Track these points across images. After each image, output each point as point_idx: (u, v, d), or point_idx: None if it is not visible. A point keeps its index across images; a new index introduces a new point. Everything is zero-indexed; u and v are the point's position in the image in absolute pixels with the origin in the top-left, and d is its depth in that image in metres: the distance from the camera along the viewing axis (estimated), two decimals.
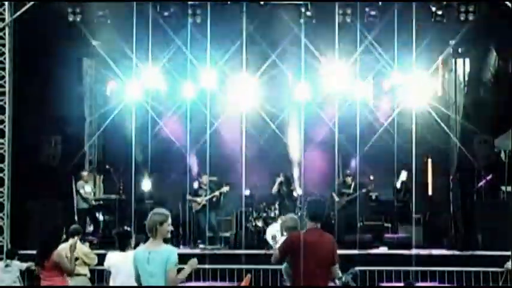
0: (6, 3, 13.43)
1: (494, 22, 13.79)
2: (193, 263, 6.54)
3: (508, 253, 12.49)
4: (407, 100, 14.53)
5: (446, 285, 12.71)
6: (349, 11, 13.94)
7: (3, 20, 13.42)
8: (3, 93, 13.45)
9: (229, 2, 14.17)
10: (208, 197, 14.99)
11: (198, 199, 15.05)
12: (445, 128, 15.19)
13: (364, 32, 13.98)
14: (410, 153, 13.72)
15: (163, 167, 16.13)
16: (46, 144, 14.41)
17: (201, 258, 12.67)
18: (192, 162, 15.63)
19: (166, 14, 14.38)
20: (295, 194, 15.36)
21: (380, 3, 14.14)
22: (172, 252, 6.37)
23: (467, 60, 15.89)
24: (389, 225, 15.99)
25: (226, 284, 12.77)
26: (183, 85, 15.40)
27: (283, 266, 7.21)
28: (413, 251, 13.40)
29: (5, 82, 13.47)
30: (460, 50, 15.71)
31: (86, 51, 16.09)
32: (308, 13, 14.09)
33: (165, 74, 15.64)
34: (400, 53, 14.07)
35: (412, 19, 13.29)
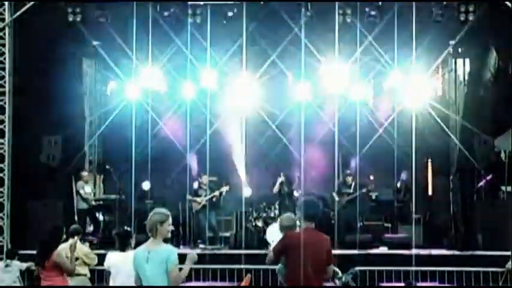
0: (6, 3, 13.44)
1: (494, 22, 13.79)
2: (193, 257, 6.51)
3: (508, 253, 12.50)
4: (407, 100, 14.52)
5: (446, 285, 12.71)
6: (349, 11, 13.95)
7: (3, 20, 13.43)
8: (3, 93, 13.46)
9: (229, 2, 14.18)
10: (208, 197, 14.99)
11: (198, 199, 15.06)
12: (445, 128, 15.18)
13: (364, 32, 13.98)
14: (410, 153, 13.73)
15: (163, 167, 16.13)
16: (46, 144, 14.41)
17: (201, 258, 12.71)
18: (192, 162, 15.64)
19: (166, 14, 14.39)
20: (295, 194, 15.36)
21: (380, 3, 14.15)
22: (172, 252, 6.36)
23: (467, 60, 15.88)
24: (389, 225, 15.99)
25: (226, 284, 12.78)
26: (183, 85, 15.39)
27: (277, 267, 7.20)
28: (413, 251, 13.39)
29: (5, 82, 13.48)
30: (460, 50, 15.71)
31: (86, 51, 16.09)
32: (308, 13, 14.09)
33: (165, 74, 15.64)
34: (400, 53, 14.06)
35: (412, 19, 13.29)
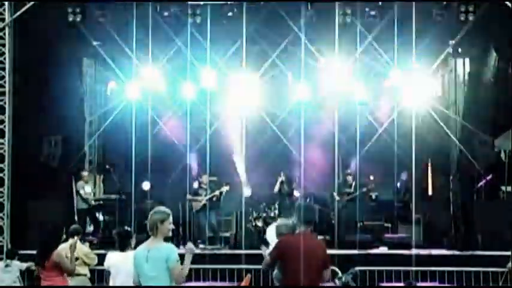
0: (6, 3, 13.44)
1: (494, 22, 13.79)
2: (190, 249, 6.47)
3: (508, 253, 12.50)
4: (407, 100, 14.52)
5: (446, 285, 12.71)
6: (349, 11, 13.94)
7: (3, 20, 13.43)
8: (3, 93, 13.46)
9: (229, 2, 14.18)
10: (208, 196, 14.98)
11: (199, 198, 15.05)
12: (445, 128, 15.18)
13: (364, 32, 13.98)
14: (410, 153, 13.73)
15: (163, 167, 16.13)
16: (46, 144, 14.41)
17: (201, 258, 12.73)
18: (192, 162, 15.64)
19: (166, 14, 14.40)
20: (295, 193, 15.37)
21: (380, 3, 14.15)
22: (172, 251, 6.36)
23: (467, 60, 15.89)
24: (389, 225, 15.99)
25: (226, 284, 12.77)
26: (183, 85, 15.39)
27: (274, 273, 7.18)
28: (413, 251, 13.39)
29: (5, 82, 13.47)
30: (460, 50, 15.71)
31: (86, 51, 16.09)
32: (308, 13, 14.08)
33: (165, 74, 15.64)
34: (400, 53, 14.07)
35: (412, 19, 13.29)
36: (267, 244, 7.73)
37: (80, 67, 16.51)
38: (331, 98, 15.14)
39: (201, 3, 14.13)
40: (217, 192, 15.14)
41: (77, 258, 9.25)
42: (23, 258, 11.39)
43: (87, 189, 15.29)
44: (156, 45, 14.35)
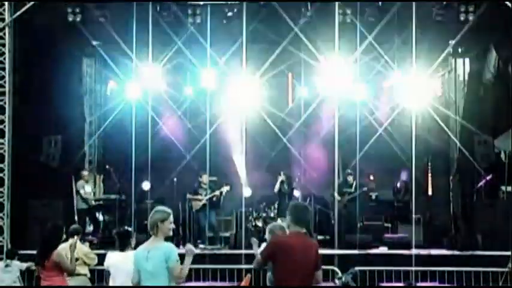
0: (6, 3, 13.43)
1: (494, 22, 13.79)
2: (190, 250, 6.48)
3: (508, 253, 12.50)
4: (407, 100, 14.52)
5: (446, 285, 12.70)
6: (349, 11, 13.95)
7: (3, 20, 13.42)
8: (3, 93, 13.45)
9: (229, 2, 14.18)
10: (208, 196, 14.98)
11: (199, 197, 15.05)
12: (445, 128, 15.19)
13: (364, 32, 13.98)
14: (410, 153, 13.73)
15: (163, 167, 16.13)
16: (46, 144, 14.40)
17: (201, 258, 12.73)
18: (192, 162, 15.64)
19: (166, 14, 14.39)
20: (295, 193, 15.37)
21: (380, 3, 14.15)
22: (172, 250, 6.36)
23: (467, 60, 15.90)
24: (389, 225, 15.99)
25: (226, 284, 12.77)
26: (183, 85, 15.38)
27: (267, 275, 7.16)
28: (413, 251, 13.39)
29: (5, 82, 13.47)
30: (460, 50, 15.73)
31: (86, 51, 16.09)
32: (308, 13, 14.09)
33: (165, 74, 15.64)
34: (400, 53, 14.06)
35: (412, 19, 13.29)
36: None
37: (80, 67, 16.51)
38: (331, 98, 15.14)
39: (201, 3, 14.14)
40: (217, 192, 15.14)
41: (77, 259, 9.24)
42: (23, 258, 11.38)
43: (87, 188, 15.30)
44: (156, 45, 14.34)
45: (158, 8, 14.33)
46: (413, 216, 14.66)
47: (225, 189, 15.16)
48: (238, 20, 14.05)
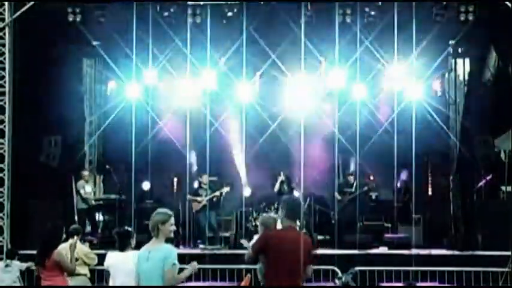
0: (6, 3, 13.42)
1: (494, 22, 13.79)
2: (194, 266, 6.55)
3: (508, 253, 12.50)
4: (407, 100, 14.52)
5: (446, 285, 12.70)
6: (349, 11, 13.94)
7: (3, 20, 13.42)
8: (3, 93, 13.45)
9: (229, 2, 14.18)
10: (208, 197, 14.97)
11: (199, 198, 15.04)
12: (445, 128, 15.18)
13: (364, 32, 13.97)
14: (410, 153, 13.73)
15: (163, 167, 16.12)
16: (46, 144, 14.40)
17: (201, 258, 12.73)
18: (192, 162, 15.63)
19: (166, 14, 14.39)
20: (295, 193, 15.36)
21: (380, 3, 14.14)
22: (170, 251, 6.37)
23: (467, 60, 15.89)
24: (389, 225, 15.98)
25: (226, 284, 12.76)
26: (183, 85, 15.38)
27: (257, 267, 7.15)
28: (413, 251, 13.40)
29: (5, 82, 13.47)
30: (460, 50, 15.72)
31: (86, 51, 16.09)
32: (308, 13, 14.08)
33: (165, 74, 15.63)
34: (400, 53, 14.06)
35: (412, 19, 13.29)
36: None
37: (80, 67, 16.51)
38: (332, 98, 15.14)
39: (201, 3, 14.14)
40: (217, 193, 15.14)
41: (77, 259, 9.25)
42: (23, 258, 11.37)
43: (88, 188, 15.30)
44: (156, 45, 14.35)
45: (158, 8, 14.33)
46: (413, 216, 14.66)
47: (225, 190, 15.16)
48: (238, 20, 14.05)
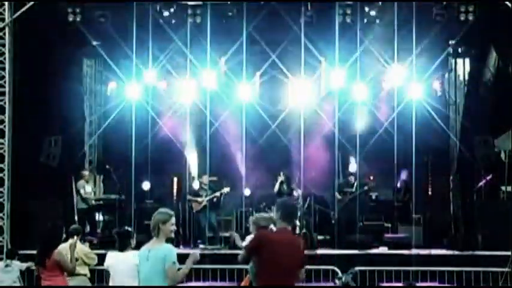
0: (6, 3, 13.43)
1: (494, 22, 13.79)
2: (195, 256, 6.51)
3: (508, 253, 12.50)
4: (407, 100, 14.52)
5: (446, 285, 12.70)
6: (349, 11, 13.95)
7: (3, 20, 13.42)
8: (3, 93, 13.45)
9: (229, 2, 14.18)
10: (208, 197, 14.97)
11: (199, 199, 15.05)
12: (445, 128, 15.18)
13: (364, 32, 13.97)
14: (410, 153, 13.72)
15: (163, 167, 16.12)
16: (46, 144, 14.40)
17: (201, 258, 12.69)
18: (192, 162, 15.63)
19: (166, 14, 14.39)
20: (295, 193, 15.36)
21: (380, 3, 14.15)
22: (170, 250, 6.38)
23: (467, 60, 15.90)
24: (389, 225, 15.98)
25: (226, 284, 12.76)
26: (183, 85, 15.39)
27: (249, 265, 7.15)
28: (413, 251, 13.40)
29: (5, 82, 13.47)
30: (460, 50, 15.72)
31: (86, 51, 16.09)
32: (308, 13, 14.09)
33: (165, 74, 15.63)
34: (400, 53, 14.07)
35: (412, 19, 13.29)
36: None
37: (80, 67, 16.51)
38: (331, 98, 15.14)
39: (201, 3, 14.14)
40: (217, 194, 15.14)
41: (77, 259, 9.24)
42: (23, 258, 11.37)
43: (88, 188, 15.30)
44: (156, 45, 14.35)
45: (158, 8, 14.34)
46: (413, 216, 14.65)
47: (225, 190, 15.16)
48: (238, 20, 14.05)
